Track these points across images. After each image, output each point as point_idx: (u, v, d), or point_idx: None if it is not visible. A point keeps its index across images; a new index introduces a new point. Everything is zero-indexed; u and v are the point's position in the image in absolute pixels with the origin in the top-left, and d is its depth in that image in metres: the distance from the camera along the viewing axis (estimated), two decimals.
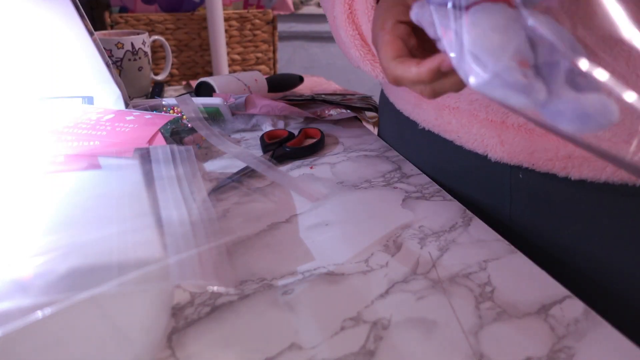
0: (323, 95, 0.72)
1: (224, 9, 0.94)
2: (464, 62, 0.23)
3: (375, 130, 0.67)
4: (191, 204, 0.30)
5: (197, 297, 0.32)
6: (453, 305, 0.32)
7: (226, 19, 0.94)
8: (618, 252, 0.38)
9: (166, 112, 0.62)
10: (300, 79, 0.83)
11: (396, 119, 0.56)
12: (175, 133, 0.59)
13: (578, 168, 0.38)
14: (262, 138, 0.59)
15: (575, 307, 0.32)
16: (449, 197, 0.46)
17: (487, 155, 0.43)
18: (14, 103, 0.40)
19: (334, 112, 0.68)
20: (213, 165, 0.52)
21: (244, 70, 1.02)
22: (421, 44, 0.33)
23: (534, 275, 0.35)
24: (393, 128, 0.59)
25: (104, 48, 0.54)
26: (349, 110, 0.68)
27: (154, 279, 0.25)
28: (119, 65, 0.74)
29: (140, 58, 0.76)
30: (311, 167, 0.48)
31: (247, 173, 0.49)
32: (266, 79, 0.79)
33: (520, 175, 0.42)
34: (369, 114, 0.71)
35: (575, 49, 0.21)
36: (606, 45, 0.23)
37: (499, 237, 0.39)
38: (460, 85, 0.30)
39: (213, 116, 0.64)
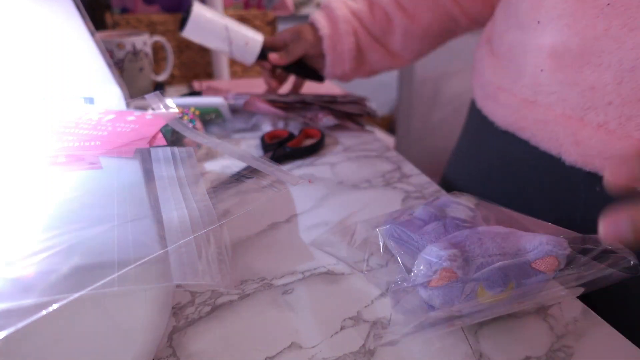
0: (311, 97, 0.68)
1: (225, 10, 0.94)
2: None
3: (376, 133, 0.66)
4: (191, 204, 0.30)
5: (198, 296, 0.32)
6: None
7: None
8: None
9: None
10: (321, 78, 0.72)
11: (478, 124, 0.54)
12: (176, 133, 0.59)
13: None
14: (262, 138, 0.59)
15: (574, 306, 0.32)
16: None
17: (560, 158, 0.40)
18: (15, 103, 0.40)
19: (326, 120, 0.65)
20: (213, 165, 0.52)
21: (245, 70, 1.02)
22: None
23: None
24: (473, 135, 0.56)
25: (105, 49, 0.54)
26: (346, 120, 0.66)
27: (154, 278, 0.25)
28: (120, 65, 0.74)
29: (141, 59, 0.76)
30: (310, 181, 0.49)
31: (247, 173, 0.49)
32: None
33: (598, 189, 0.38)
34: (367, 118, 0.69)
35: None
36: None
37: None
38: None
39: (213, 116, 0.64)
